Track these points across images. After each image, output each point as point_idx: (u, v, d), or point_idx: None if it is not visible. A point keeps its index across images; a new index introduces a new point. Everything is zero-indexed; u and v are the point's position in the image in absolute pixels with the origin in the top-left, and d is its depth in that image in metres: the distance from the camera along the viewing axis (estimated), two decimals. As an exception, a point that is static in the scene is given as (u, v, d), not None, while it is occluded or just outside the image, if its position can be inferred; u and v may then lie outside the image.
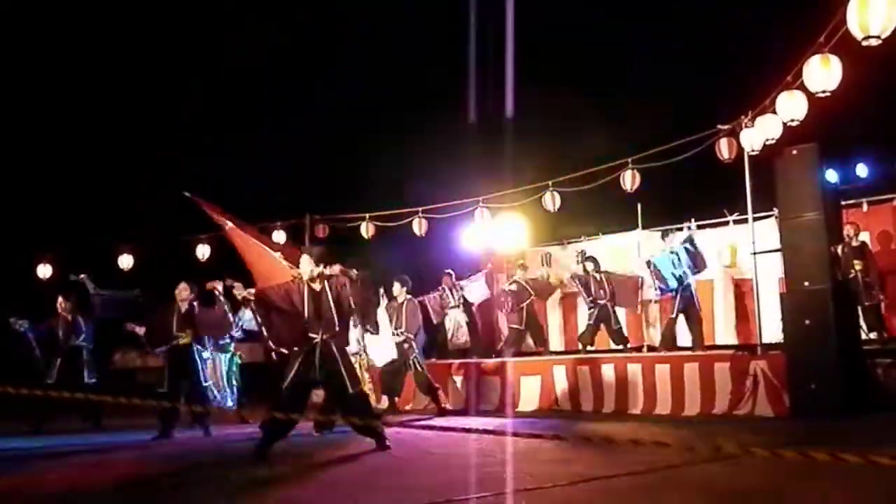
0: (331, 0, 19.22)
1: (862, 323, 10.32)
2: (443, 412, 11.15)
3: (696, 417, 9.74)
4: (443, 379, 12.02)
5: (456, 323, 13.13)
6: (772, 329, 10.37)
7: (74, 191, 19.09)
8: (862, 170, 12.24)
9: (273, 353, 7.56)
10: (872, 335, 10.61)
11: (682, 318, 11.47)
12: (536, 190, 13.08)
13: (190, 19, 18.83)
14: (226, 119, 18.92)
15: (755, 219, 10.97)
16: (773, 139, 9.96)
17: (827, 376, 8.61)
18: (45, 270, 15.83)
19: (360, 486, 5.50)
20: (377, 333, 9.95)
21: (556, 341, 14.01)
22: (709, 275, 12.42)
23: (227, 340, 10.90)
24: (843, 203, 10.54)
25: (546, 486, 5.03)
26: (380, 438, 7.21)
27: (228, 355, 11.25)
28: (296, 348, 7.28)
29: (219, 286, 8.57)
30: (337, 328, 7.34)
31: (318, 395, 10.06)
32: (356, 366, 8.53)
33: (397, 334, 11.12)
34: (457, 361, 12.46)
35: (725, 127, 10.91)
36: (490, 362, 12.48)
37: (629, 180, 11.92)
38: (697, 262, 11.44)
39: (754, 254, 10.85)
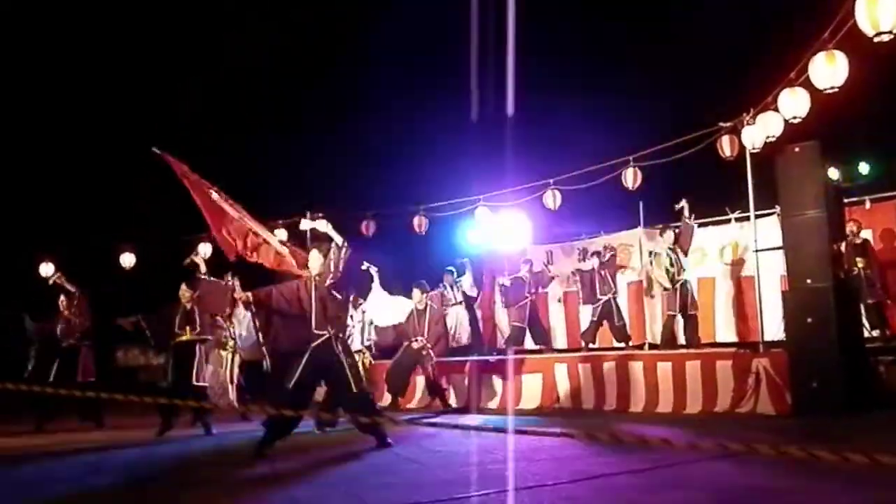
0: (331, 0, 19.23)
1: (864, 321, 10.31)
2: (446, 411, 11.17)
3: (697, 415, 9.72)
4: (444, 377, 12.03)
5: (457, 321, 13.13)
6: (774, 327, 10.34)
7: (76, 190, 19.11)
8: (864, 167, 12.22)
9: (268, 358, 7.54)
10: (875, 333, 10.59)
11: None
12: (537, 188, 13.04)
13: (190, 19, 18.83)
14: (226, 119, 18.91)
15: (757, 216, 10.93)
16: (774, 136, 9.93)
17: (829, 374, 8.60)
18: (46, 269, 15.82)
19: (362, 484, 5.48)
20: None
21: (557, 339, 13.99)
22: (710, 272, 12.42)
23: (229, 338, 10.91)
24: (845, 201, 10.51)
25: (548, 484, 5.01)
26: (381, 436, 7.22)
27: (230, 353, 11.26)
28: (302, 347, 7.26)
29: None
30: (342, 324, 7.37)
31: (319, 393, 10.09)
32: (359, 363, 8.54)
33: (417, 341, 11.16)
34: (458, 359, 12.45)
35: (727, 124, 10.87)
36: (491, 360, 12.49)
37: (630, 178, 11.89)
38: (681, 240, 11.33)
39: (756, 251, 10.82)
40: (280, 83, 19.93)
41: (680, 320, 11.39)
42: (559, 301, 14.11)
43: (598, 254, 12.51)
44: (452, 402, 11.69)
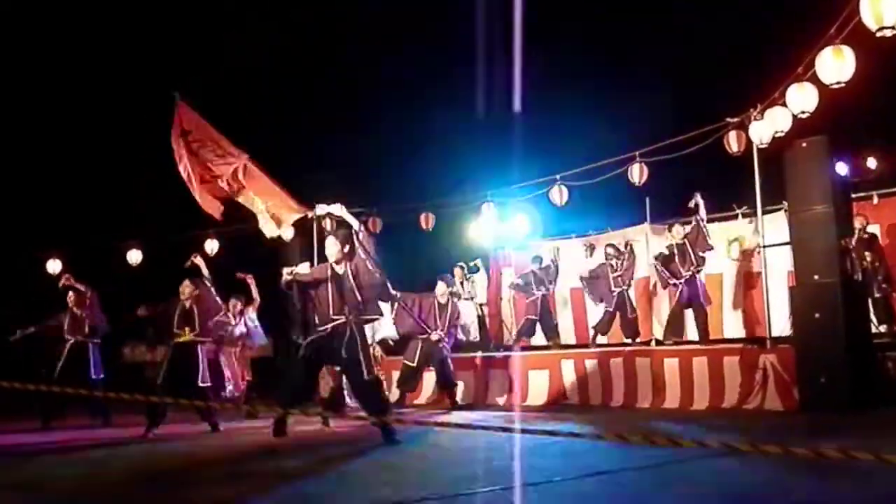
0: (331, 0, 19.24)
1: (872, 316, 10.28)
2: (454, 407, 11.18)
3: (705, 411, 9.71)
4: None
5: (466, 316, 13.13)
6: (781, 323, 10.33)
7: (80, 189, 19.17)
8: (872, 162, 12.18)
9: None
10: (882, 328, 10.56)
11: (690, 310, 11.46)
12: (544, 184, 13.03)
13: (190, 19, 18.86)
14: (227, 118, 18.93)
15: (764, 212, 10.90)
16: (782, 132, 9.88)
17: (836, 370, 8.58)
18: (54, 266, 15.89)
19: (369, 480, 5.49)
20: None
21: (566, 335, 13.97)
22: (718, 268, 12.38)
23: (233, 333, 10.94)
24: (853, 196, 10.46)
25: (555, 480, 5.01)
26: (389, 432, 7.20)
27: (237, 349, 11.29)
28: (319, 329, 7.42)
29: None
30: (359, 310, 7.40)
31: (324, 391, 10.13)
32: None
33: (435, 333, 11.17)
34: (466, 355, 12.45)
35: (734, 120, 10.83)
36: (498, 356, 12.49)
37: (637, 174, 11.85)
38: (698, 243, 11.28)
39: (763, 247, 10.80)
40: (280, 83, 19.94)
41: (690, 315, 11.41)
42: (567, 297, 14.11)
43: (612, 246, 12.49)
44: (460, 398, 11.69)
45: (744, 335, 12.03)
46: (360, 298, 7.41)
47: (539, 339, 13.30)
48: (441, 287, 11.39)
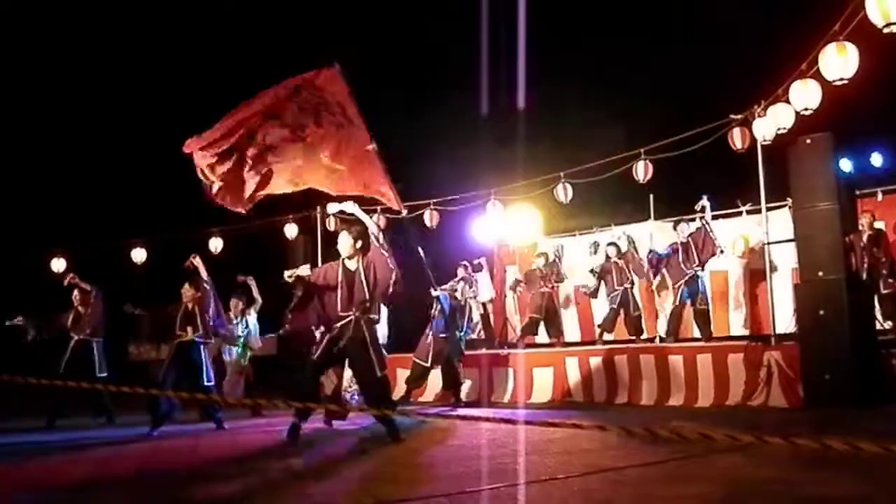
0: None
1: (878, 312, 10.27)
2: (458, 404, 11.19)
3: (709, 409, 9.71)
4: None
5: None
6: (786, 319, 10.33)
7: (85, 188, 19.19)
8: (876, 159, 12.14)
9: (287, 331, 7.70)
10: (888, 324, 10.54)
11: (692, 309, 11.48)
12: (549, 181, 13.02)
13: (192, 19, 18.89)
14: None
15: (769, 209, 10.90)
16: (785, 128, 9.87)
17: (841, 367, 8.58)
18: (59, 264, 15.91)
19: (374, 478, 5.50)
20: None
21: (570, 333, 13.98)
22: (722, 265, 12.38)
23: (238, 335, 10.96)
24: (857, 193, 10.46)
25: (559, 477, 5.01)
26: (394, 430, 7.21)
27: (240, 348, 11.30)
28: (327, 326, 7.41)
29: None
30: (369, 307, 7.38)
31: (328, 387, 10.12)
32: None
33: (460, 329, 11.34)
34: (471, 353, 12.46)
35: (738, 117, 10.83)
36: (502, 354, 12.50)
37: (641, 171, 11.85)
38: (704, 250, 11.31)
39: (768, 244, 10.79)
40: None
41: (690, 311, 11.42)
42: (570, 295, 14.11)
43: (615, 244, 12.49)
44: (464, 395, 11.70)
45: (748, 332, 12.04)
46: (368, 296, 7.39)
47: (543, 336, 13.30)
48: (463, 287, 11.49)
